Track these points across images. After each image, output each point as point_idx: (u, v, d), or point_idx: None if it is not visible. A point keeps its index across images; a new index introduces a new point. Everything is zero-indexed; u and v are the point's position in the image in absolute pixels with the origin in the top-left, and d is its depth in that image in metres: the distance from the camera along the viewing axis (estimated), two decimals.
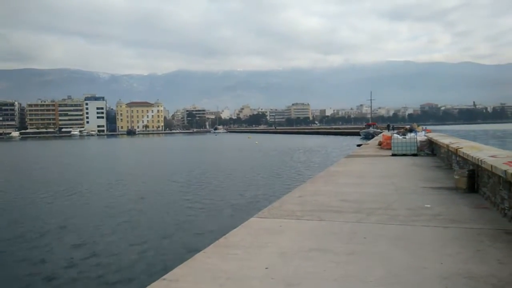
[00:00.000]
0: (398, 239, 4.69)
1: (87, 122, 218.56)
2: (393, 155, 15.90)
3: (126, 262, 9.60)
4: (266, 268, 3.84)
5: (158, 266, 8.91)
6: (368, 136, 60.10)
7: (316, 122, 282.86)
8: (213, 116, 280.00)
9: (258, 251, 4.40)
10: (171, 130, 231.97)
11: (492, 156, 6.46)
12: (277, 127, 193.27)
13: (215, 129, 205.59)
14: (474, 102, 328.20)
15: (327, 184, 9.33)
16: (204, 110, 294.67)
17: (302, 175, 23.98)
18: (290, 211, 6.42)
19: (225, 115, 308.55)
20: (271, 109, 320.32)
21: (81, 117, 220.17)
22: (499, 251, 4.08)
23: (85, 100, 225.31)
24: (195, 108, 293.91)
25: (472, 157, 7.21)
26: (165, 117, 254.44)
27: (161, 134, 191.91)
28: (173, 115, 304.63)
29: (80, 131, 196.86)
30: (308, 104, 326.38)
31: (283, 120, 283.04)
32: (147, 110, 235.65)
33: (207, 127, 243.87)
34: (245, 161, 37.02)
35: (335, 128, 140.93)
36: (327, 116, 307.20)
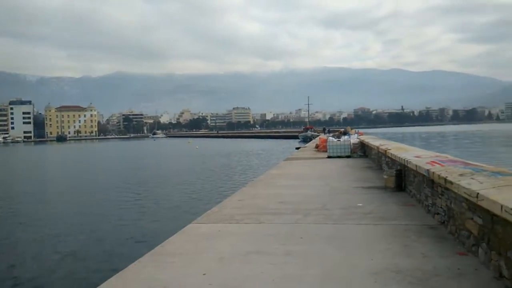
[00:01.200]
0: (332, 238, 4.86)
1: (12, 128, 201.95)
2: (329, 157, 16.53)
3: (57, 275, 8.96)
4: (204, 274, 3.78)
5: (91, 278, 8.43)
6: (306, 139, 62.04)
7: (257, 126, 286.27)
8: (151, 121, 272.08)
9: (196, 258, 4.33)
10: (105, 135, 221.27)
11: (416, 157, 6.94)
12: (219, 131, 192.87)
13: (154, 134, 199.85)
14: (402, 106, 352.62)
15: (266, 187, 9.45)
16: (142, 115, 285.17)
17: (242, 179, 24.10)
18: (229, 215, 6.40)
19: (164, 119, 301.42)
20: (212, 113, 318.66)
21: (5, 122, 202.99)
22: (423, 246, 4.37)
23: (9, 104, 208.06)
24: (132, 112, 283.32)
25: (399, 157, 7.69)
26: (99, 122, 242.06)
27: (94, 140, 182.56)
28: (108, 119, 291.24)
29: (3, 138, 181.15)
30: (249, 108, 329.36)
31: (224, 124, 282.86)
32: (79, 115, 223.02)
33: (145, 132, 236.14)
34: (185, 166, 36.44)
35: (275, 132, 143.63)
36: (268, 120, 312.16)
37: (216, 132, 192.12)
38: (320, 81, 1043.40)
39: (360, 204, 6.77)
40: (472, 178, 4.09)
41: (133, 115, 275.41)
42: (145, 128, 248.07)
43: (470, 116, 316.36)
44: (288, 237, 4.96)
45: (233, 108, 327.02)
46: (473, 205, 3.87)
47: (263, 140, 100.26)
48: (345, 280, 3.50)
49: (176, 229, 5.79)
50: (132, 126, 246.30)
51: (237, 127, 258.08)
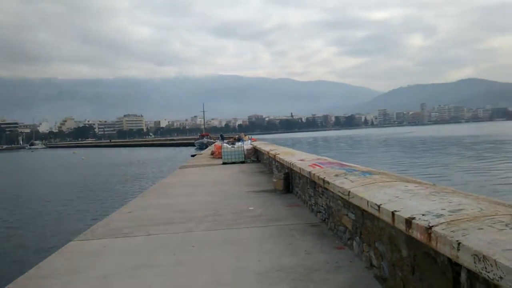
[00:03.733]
0: (224, 243, 4.90)
1: None
2: (224, 163, 16.75)
3: None
4: None
5: None
6: (202, 147, 61.93)
7: (151, 134, 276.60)
8: (28, 130, 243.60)
9: (77, 278, 3.97)
10: None
11: (301, 160, 7.42)
12: (111, 140, 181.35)
13: (31, 144, 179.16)
14: (291, 113, 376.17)
15: (159, 196, 9.16)
16: (16, 123, 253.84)
17: (134, 189, 22.98)
18: (117, 229, 6.03)
19: (43, 128, 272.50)
20: (100, 121, 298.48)
21: None
22: (306, 243, 4.67)
23: None
24: (4, 121, 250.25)
25: (286, 161, 8.14)
26: None
27: None
28: None
29: None
30: (141, 116, 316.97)
31: (114, 132, 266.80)
32: None
33: (21, 142, 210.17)
34: (67, 179, 33.35)
35: (170, 140, 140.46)
36: (162, 128, 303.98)
37: (108, 140, 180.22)
38: (215, 89, 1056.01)
39: (251, 208, 6.98)
40: (346, 178, 4.52)
41: (5, 124, 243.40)
42: (20, 138, 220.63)
43: (349, 122, 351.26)
44: (179, 247, 4.86)
45: (124, 116, 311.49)
46: (346, 203, 4.27)
47: (157, 148, 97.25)
48: (233, 284, 3.56)
49: (56, 247, 5.26)
50: (4, 137, 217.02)
51: (129, 136, 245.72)
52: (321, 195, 5.63)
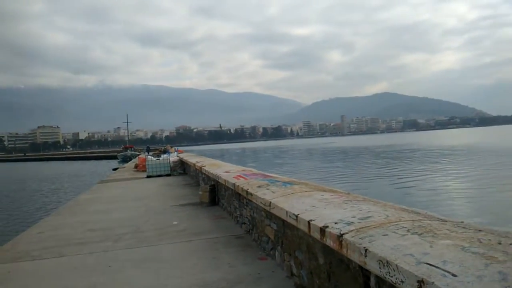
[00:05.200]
0: (144, 261, 4.68)
1: None
2: (148, 176, 16.17)
3: None
4: None
5: None
6: (126, 159, 59.28)
7: (69, 146, 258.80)
8: None
9: None
10: None
11: (226, 172, 7.41)
12: (26, 153, 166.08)
13: None
14: (220, 124, 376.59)
15: (74, 214, 8.53)
16: None
17: (46, 208, 21.15)
18: (24, 252, 5.47)
19: None
20: (10, 133, 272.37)
21: None
22: (230, 255, 4.64)
23: None
24: None
25: (212, 173, 8.08)
26: None
27: None
28: None
29: None
30: (58, 127, 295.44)
31: (27, 145, 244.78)
32: None
33: None
34: None
35: (90, 152, 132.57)
36: (82, 140, 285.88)
37: (23, 154, 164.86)
38: (140, 99, 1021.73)
39: (175, 222, 6.78)
40: (268, 189, 4.59)
41: None
42: None
43: (276, 133, 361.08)
44: (95, 268, 4.54)
45: (38, 127, 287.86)
46: (269, 213, 4.33)
47: (76, 162, 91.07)
48: None
49: None
50: None
51: (43, 149, 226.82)
52: (245, 207, 5.65)
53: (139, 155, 45.78)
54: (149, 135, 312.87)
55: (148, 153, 26.19)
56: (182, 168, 17.17)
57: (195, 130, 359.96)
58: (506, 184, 19.77)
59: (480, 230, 2.18)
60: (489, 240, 1.94)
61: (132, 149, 78.16)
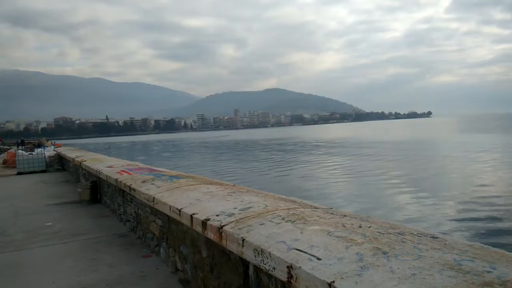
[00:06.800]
0: (9, 268, 4.13)
1: None
2: (19, 173, 14.40)
3: None
4: None
5: None
6: None
7: None
8: None
9: None
10: None
11: (109, 167, 6.95)
12: None
13: None
14: (107, 116, 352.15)
15: None
16: None
17: None
18: None
19: None
20: None
21: None
22: (111, 256, 4.36)
23: None
24: None
25: (93, 169, 7.51)
26: None
27: None
28: None
29: None
30: None
31: None
32: None
33: None
34: None
35: None
36: None
37: None
38: (12, 86, 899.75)
39: (50, 223, 6.15)
40: (153, 184, 4.43)
41: None
42: None
43: (169, 126, 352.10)
44: None
45: None
46: (153, 209, 4.18)
47: None
48: None
49: None
50: None
51: None
52: (129, 203, 5.38)
53: (9, 149, 40.46)
54: (21, 127, 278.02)
55: (20, 147, 23.21)
56: (60, 163, 15.64)
57: (77, 122, 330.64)
58: (365, 172, 22.43)
59: (345, 215, 2.40)
60: (352, 224, 2.15)
61: (1, 142, 68.64)
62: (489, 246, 1.66)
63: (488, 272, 1.35)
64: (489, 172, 21.34)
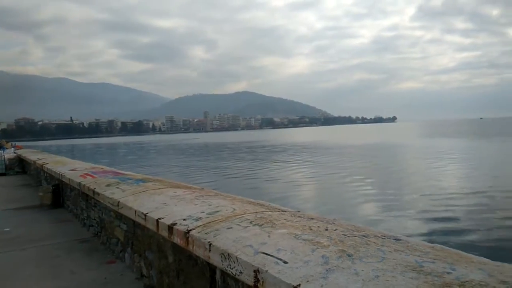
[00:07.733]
0: None
1: None
2: None
3: None
4: None
5: None
6: None
7: None
8: None
9: None
10: None
11: (72, 170, 6.72)
12: None
13: None
14: (71, 117, 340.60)
15: None
16: None
17: None
18: None
19: None
20: None
21: None
22: (73, 262, 4.20)
23: None
24: None
25: (55, 172, 7.23)
26: None
27: None
28: None
29: None
30: None
31: None
32: None
33: None
34: None
35: None
36: None
37: None
38: None
39: (8, 229, 5.86)
40: (118, 188, 4.30)
41: None
42: None
43: (137, 128, 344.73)
44: None
45: None
46: (118, 214, 4.06)
47: None
48: None
49: None
50: None
51: None
52: (93, 208, 5.20)
53: None
54: None
55: None
56: (20, 166, 14.98)
57: (40, 123, 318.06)
58: (332, 175, 22.85)
59: (312, 218, 2.42)
60: (318, 227, 2.16)
61: None
62: (449, 248, 1.72)
63: (448, 273, 1.39)
64: (447, 174, 22.24)
